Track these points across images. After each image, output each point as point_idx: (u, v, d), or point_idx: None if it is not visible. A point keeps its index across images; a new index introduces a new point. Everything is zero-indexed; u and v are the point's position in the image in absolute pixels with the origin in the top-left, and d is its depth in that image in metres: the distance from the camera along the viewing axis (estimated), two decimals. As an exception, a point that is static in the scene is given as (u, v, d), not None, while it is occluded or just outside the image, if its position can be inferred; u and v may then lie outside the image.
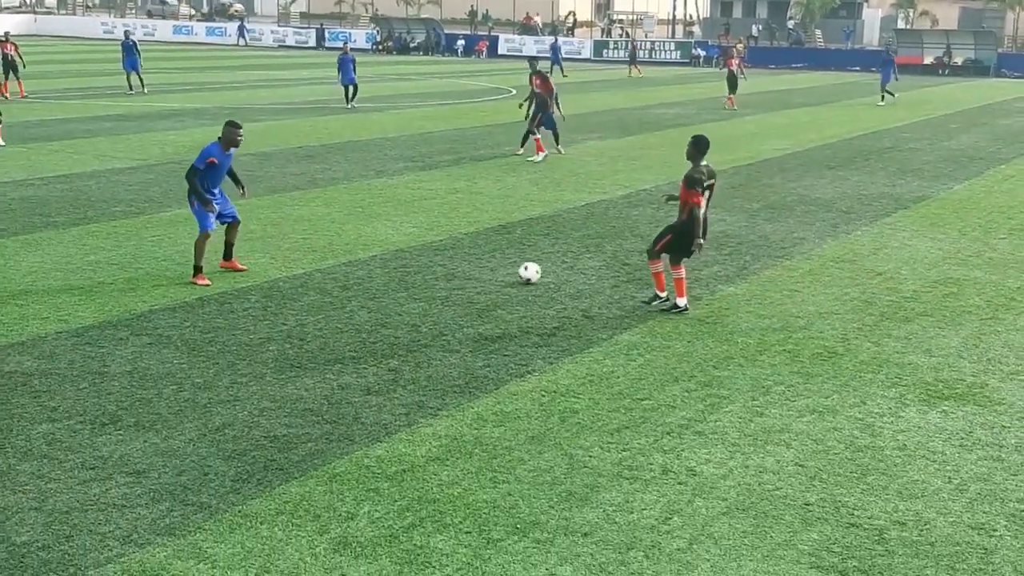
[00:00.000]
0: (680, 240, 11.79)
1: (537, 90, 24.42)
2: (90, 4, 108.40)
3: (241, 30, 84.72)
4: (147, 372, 9.89)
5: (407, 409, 9.10)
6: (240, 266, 13.66)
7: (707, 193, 11.74)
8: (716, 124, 32.80)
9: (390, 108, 36.09)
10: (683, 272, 11.96)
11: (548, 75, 24.71)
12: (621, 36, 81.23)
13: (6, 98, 35.00)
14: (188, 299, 12.35)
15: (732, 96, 38.02)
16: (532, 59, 25.82)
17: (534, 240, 15.84)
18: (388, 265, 14.16)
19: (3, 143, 24.41)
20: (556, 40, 63.41)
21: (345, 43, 46.11)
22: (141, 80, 39.19)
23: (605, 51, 73.18)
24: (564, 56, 59.78)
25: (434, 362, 10.34)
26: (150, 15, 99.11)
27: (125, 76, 39.19)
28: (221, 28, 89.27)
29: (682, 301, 11.97)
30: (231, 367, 10.09)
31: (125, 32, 43.76)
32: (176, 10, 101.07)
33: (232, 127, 12.95)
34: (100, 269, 13.70)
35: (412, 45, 78.71)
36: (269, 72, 52.83)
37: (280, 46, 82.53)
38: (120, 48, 40.23)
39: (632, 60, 60.81)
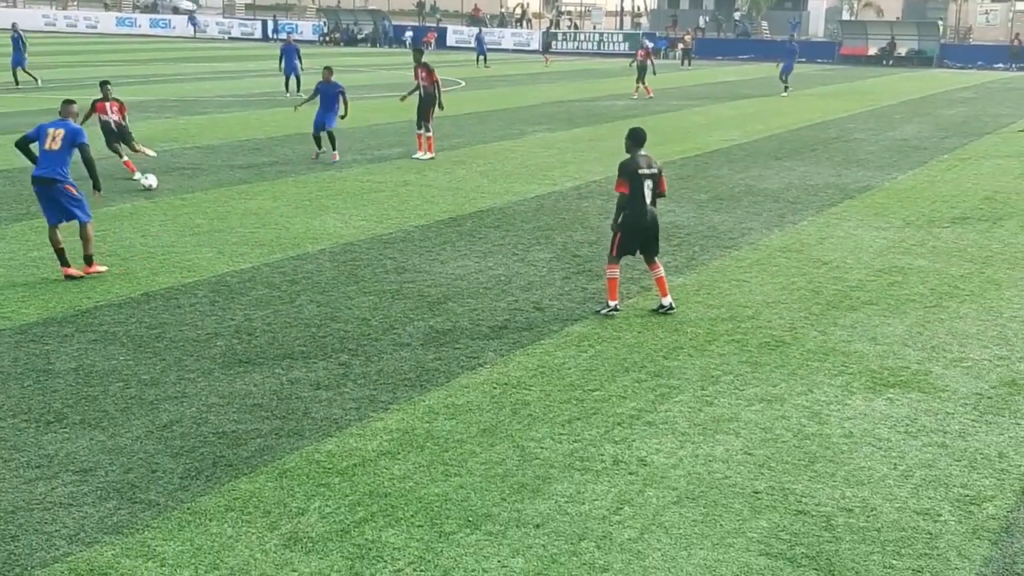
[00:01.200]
0: (624, 238, 11.72)
1: (423, 83, 23.20)
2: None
3: (193, 21, 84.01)
4: (93, 369, 9.77)
5: (357, 403, 9.06)
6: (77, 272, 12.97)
7: (648, 183, 11.56)
8: (664, 115, 33.00)
9: (338, 100, 35.81)
10: (617, 272, 11.84)
11: (433, 68, 23.67)
12: (547, 28, 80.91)
13: None
14: (133, 295, 12.21)
15: (645, 86, 38.79)
16: (416, 50, 24.90)
17: (484, 232, 15.83)
18: (337, 259, 14.08)
19: None
20: (480, 32, 63.50)
21: (289, 33, 45.75)
22: (16, 77, 37.68)
23: (554, 43, 73.44)
24: (492, 48, 59.70)
25: (384, 356, 10.30)
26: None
27: (11, 72, 37.67)
28: (165, 20, 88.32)
29: (613, 302, 11.80)
30: (178, 363, 9.99)
31: (13, 24, 41.01)
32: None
33: (71, 102, 13.39)
34: (43, 265, 13.49)
35: (359, 36, 78.34)
36: (215, 64, 52.29)
37: (228, 38, 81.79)
38: (10, 42, 38.65)
39: (546, 50, 60.90)
